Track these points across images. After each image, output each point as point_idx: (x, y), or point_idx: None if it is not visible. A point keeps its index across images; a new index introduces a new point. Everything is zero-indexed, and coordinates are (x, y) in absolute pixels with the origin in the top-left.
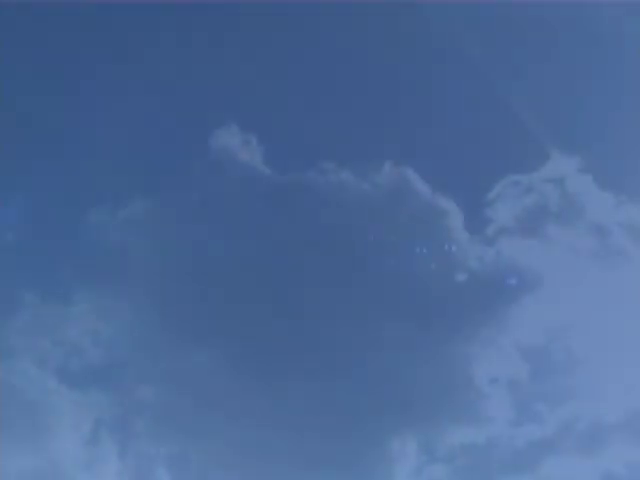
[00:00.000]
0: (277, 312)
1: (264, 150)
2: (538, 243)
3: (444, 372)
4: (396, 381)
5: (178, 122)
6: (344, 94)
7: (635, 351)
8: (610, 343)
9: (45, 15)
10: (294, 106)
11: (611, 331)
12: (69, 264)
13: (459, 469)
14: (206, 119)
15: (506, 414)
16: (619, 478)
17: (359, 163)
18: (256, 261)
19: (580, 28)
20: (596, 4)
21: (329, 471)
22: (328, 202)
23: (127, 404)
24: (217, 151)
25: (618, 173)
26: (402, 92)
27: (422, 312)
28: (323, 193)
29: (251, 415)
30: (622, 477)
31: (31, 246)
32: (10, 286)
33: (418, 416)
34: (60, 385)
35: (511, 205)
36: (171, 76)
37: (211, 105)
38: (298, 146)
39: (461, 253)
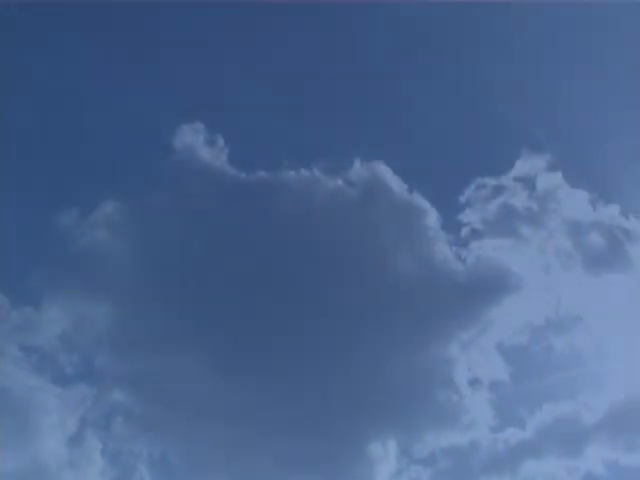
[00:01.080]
0: (253, 313)
1: (231, 150)
2: (515, 243)
3: (425, 375)
4: (377, 384)
5: (145, 123)
6: (311, 92)
7: (615, 350)
8: (589, 342)
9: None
10: (260, 105)
11: (590, 330)
12: (39, 267)
13: (439, 471)
14: (172, 119)
15: (487, 417)
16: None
17: (329, 160)
18: (229, 261)
19: (544, 29)
20: (558, 4)
21: (310, 472)
22: (299, 200)
23: (104, 406)
24: (184, 151)
25: (590, 172)
26: (369, 91)
27: (401, 313)
28: (293, 191)
29: (231, 416)
30: (603, 478)
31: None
32: None
33: (399, 419)
34: (36, 386)
35: (486, 206)
36: (138, 77)
37: (177, 105)
38: (265, 145)
39: (439, 253)
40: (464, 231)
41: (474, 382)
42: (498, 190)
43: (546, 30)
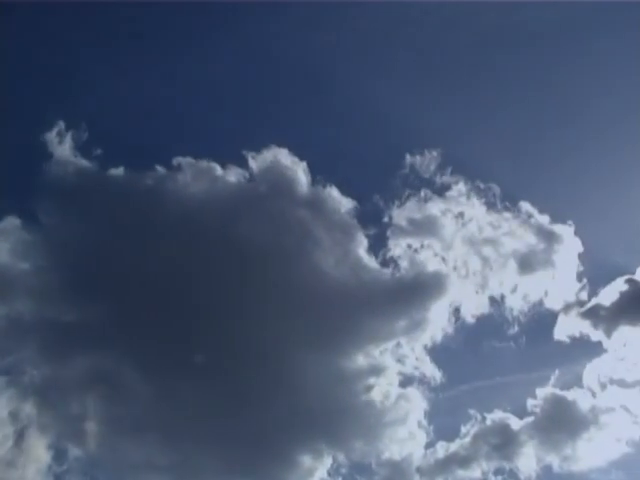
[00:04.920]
0: (162, 315)
1: (115, 149)
2: (435, 244)
3: (353, 383)
4: (305, 394)
5: (20, 130)
6: (202, 83)
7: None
8: (514, 343)
9: None
10: (139, 102)
11: (516, 329)
12: None
13: None
14: (41, 123)
15: (420, 426)
16: None
17: (221, 154)
18: (131, 263)
19: (425, 27)
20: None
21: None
22: (194, 194)
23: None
24: (64, 155)
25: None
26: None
27: (324, 319)
28: (186, 186)
29: (160, 423)
30: None
31: None
32: None
33: (329, 429)
34: None
35: (404, 206)
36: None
37: (51, 108)
38: (147, 143)
39: (359, 252)
40: (384, 233)
41: (405, 385)
42: (399, 190)
43: (428, 28)
